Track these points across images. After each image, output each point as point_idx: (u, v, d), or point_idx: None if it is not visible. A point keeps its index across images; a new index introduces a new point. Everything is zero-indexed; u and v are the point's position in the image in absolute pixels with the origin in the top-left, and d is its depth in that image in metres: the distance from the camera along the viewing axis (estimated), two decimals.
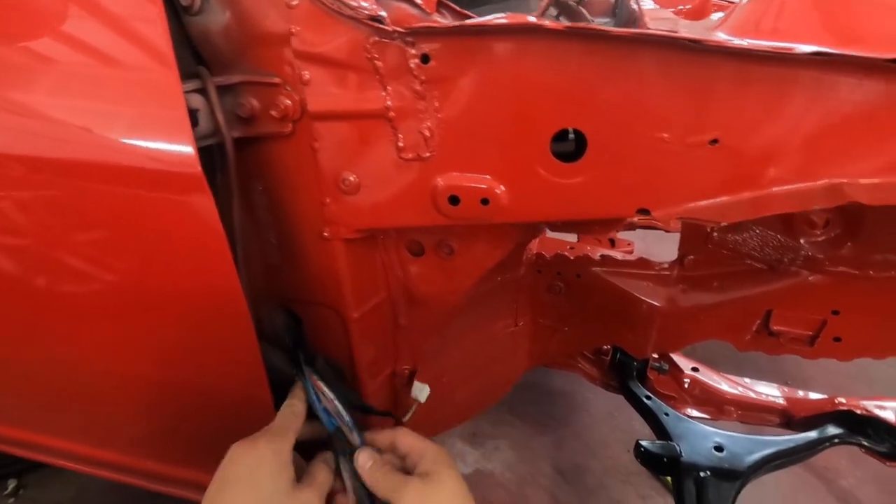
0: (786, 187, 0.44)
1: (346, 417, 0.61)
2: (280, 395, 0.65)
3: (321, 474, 0.57)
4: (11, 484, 1.41)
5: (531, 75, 0.46)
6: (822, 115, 0.41)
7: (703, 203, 0.47)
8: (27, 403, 0.83)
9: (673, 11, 1.78)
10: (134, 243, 0.53)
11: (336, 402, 0.61)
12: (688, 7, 1.75)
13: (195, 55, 0.55)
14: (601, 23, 1.45)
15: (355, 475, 0.58)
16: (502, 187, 0.53)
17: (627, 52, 0.42)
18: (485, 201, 0.53)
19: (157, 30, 0.46)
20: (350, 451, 0.59)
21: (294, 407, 0.60)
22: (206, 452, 0.76)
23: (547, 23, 0.42)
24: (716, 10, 2.09)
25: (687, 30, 0.56)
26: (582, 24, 0.41)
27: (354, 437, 0.60)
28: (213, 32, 0.52)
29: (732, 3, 2.11)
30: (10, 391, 0.81)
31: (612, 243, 1.74)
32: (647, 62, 0.42)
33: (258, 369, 0.61)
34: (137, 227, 0.52)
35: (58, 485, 1.42)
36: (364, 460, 0.58)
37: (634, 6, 0.79)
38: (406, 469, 0.59)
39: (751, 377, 1.28)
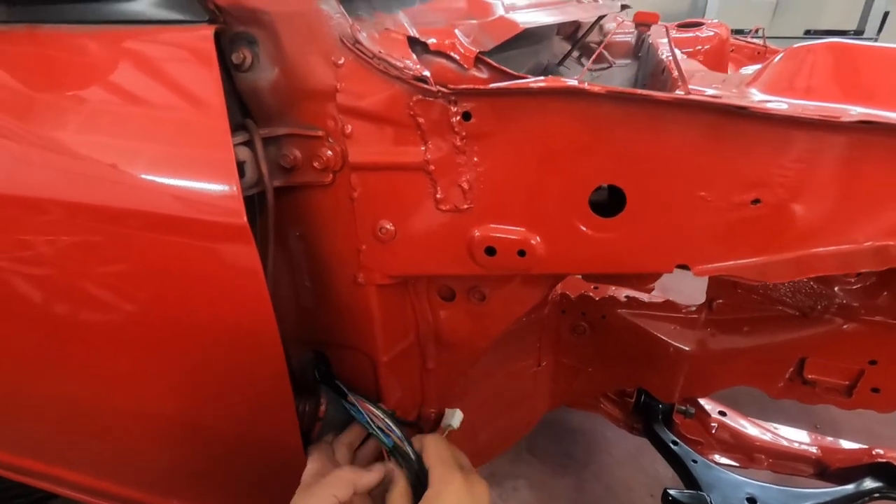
0: (830, 248, 0.43)
1: (398, 432, 0.65)
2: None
3: None
4: None
5: (571, 134, 0.47)
6: (869, 178, 0.41)
7: (744, 261, 0.47)
8: (57, 436, 0.84)
9: (692, 51, 1.81)
10: (178, 287, 0.54)
11: (387, 420, 0.66)
12: (707, 47, 1.78)
13: (242, 108, 0.57)
14: (622, 64, 1.48)
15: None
16: (538, 239, 0.53)
17: (669, 113, 0.43)
18: (521, 253, 0.54)
19: (213, 91, 0.48)
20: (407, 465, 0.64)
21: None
22: (234, 495, 0.76)
23: (588, 86, 0.43)
24: (733, 51, 2.11)
25: (723, 87, 0.57)
26: (623, 89, 0.42)
27: (407, 449, 0.64)
28: (262, 88, 0.54)
29: (750, 42, 2.13)
30: (39, 424, 0.82)
31: None
32: (689, 124, 0.43)
33: (290, 414, 0.61)
34: (183, 271, 0.53)
35: None
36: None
37: (663, 56, 0.80)
38: None
39: (777, 421, 1.24)
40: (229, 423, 0.65)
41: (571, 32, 1.56)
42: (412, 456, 0.64)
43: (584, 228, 0.51)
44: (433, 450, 0.62)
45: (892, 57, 0.54)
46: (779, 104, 0.43)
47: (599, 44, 1.52)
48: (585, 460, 1.63)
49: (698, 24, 1.86)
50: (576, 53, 1.48)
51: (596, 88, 0.42)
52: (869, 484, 1.02)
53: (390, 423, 0.66)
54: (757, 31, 2.22)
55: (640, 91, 0.41)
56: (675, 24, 1.82)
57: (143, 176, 0.50)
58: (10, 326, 0.64)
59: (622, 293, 1.05)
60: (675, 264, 0.49)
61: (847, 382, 0.85)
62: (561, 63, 1.23)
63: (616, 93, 0.42)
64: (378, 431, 0.65)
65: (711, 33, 1.82)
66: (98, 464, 0.85)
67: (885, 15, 4.22)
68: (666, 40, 0.92)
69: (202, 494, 0.77)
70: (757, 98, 0.49)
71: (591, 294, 1.05)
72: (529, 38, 1.12)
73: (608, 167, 0.47)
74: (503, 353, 1.04)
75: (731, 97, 0.41)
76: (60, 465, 0.88)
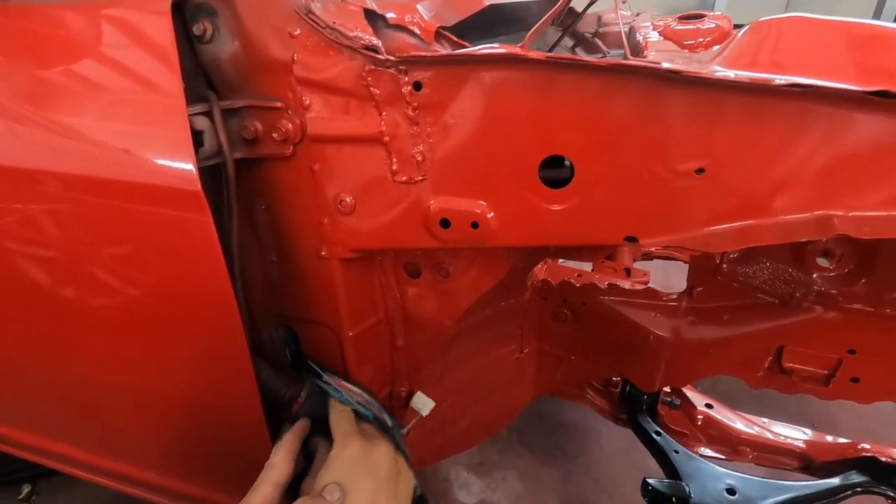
0: (772, 219, 0.43)
1: (376, 404, 0.70)
2: (273, 412, 0.66)
3: None
4: (26, 489, 1.45)
5: (517, 103, 0.47)
6: (806, 146, 0.41)
7: (690, 233, 0.46)
8: (40, 409, 0.86)
9: (694, 43, 1.79)
10: (136, 256, 0.56)
11: (364, 394, 0.69)
12: (708, 39, 1.75)
13: (207, 81, 0.58)
14: (616, 55, 1.47)
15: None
16: (491, 211, 0.53)
17: (609, 81, 0.43)
18: (475, 225, 0.54)
19: (168, 59, 0.49)
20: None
21: (270, 461, 0.59)
22: (202, 467, 0.77)
23: (530, 53, 0.43)
24: None
25: (681, 61, 0.57)
26: (563, 55, 0.42)
27: (385, 417, 0.69)
28: (223, 60, 0.55)
29: None
30: (23, 396, 0.84)
31: (628, 273, 1.71)
32: (630, 92, 0.43)
33: (250, 384, 0.62)
34: (139, 239, 0.55)
35: (67, 494, 1.45)
36: None
37: (640, 38, 0.80)
38: None
39: (775, 418, 1.22)
40: (191, 393, 0.67)
41: (570, 23, 1.56)
42: (389, 423, 0.68)
43: (535, 200, 0.51)
44: (335, 421, 0.64)
45: (851, 31, 0.53)
46: (723, 73, 0.43)
47: (594, 34, 1.51)
48: (576, 453, 1.63)
49: (700, 16, 1.84)
50: (570, 43, 1.47)
51: (534, 55, 0.42)
52: (854, 478, 1.01)
53: (367, 397, 0.69)
54: None
55: (577, 57, 0.41)
56: (677, 15, 1.81)
57: (102, 144, 0.51)
58: None
59: (604, 281, 1.04)
60: (624, 236, 0.49)
61: (826, 372, 0.84)
62: (550, 51, 1.23)
63: (555, 59, 0.42)
64: (359, 406, 0.68)
65: (713, 25, 1.79)
66: (82, 437, 0.87)
67: None
68: (648, 24, 0.92)
69: (175, 467, 0.79)
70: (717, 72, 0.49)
71: (572, 281, 1.04)
72: (519, 23, 1.12)
73: (553, 137, 0.47)
74: (485, 338, 1.04)
75: (668, 65, 0.41)
76: (40, 436, 0.90)
